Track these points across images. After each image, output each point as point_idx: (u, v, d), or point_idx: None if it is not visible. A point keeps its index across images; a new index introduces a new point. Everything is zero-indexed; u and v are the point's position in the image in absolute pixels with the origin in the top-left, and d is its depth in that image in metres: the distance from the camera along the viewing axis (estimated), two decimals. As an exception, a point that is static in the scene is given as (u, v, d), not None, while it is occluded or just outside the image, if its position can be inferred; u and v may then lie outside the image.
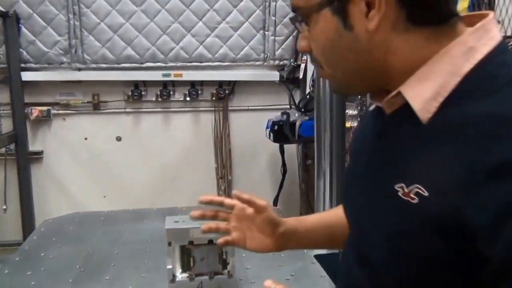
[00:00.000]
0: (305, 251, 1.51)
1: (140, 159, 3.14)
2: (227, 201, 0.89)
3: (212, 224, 0.90)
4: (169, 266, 1.24)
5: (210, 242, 1.24)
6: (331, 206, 1.61)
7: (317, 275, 1.37)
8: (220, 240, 0.90)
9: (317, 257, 1.49)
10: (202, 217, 0.92)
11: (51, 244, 1.66)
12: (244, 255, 1.28)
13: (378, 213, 0.61)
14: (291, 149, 3.17)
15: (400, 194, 0.56)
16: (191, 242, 1.24)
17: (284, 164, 3.10)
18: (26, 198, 2.97)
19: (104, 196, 3.16)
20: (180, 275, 1.26)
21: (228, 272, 1.27)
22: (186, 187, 3.11)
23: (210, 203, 0.90)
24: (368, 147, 0.68)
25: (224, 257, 1.27)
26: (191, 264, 1.25)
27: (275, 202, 3.02)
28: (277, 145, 3.03)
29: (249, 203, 0.86)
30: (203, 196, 0.90)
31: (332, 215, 0.91)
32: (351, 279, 0.70)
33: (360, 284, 0.66)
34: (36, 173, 3.05)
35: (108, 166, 3.12)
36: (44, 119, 3.01)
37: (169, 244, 1.23)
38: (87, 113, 3.08)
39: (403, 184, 0.56)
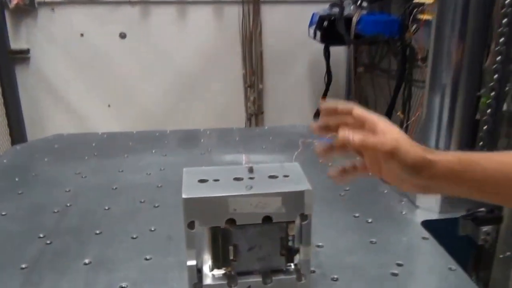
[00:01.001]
0: (407, 217, 0.96)
1: (149, 62, 2.53)
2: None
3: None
4: (192, 262, 0.69)
5: (267, 219, 0.68)
6: (444, 145, 1.02)
7: (443, 265, 0.81)
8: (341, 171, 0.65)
9: (427, 224, 0.93)
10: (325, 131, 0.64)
11: (9, 188, 1.13)
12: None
13: None
14: (338, 53, 2.50)
15: None
16: (231, 221, 0.68)
17: (329, 72, 2.46)
18: (14, 109, 2.42)
19: (109, 105, 2.61)
20: (211, 275, 0.72)
21: (296, 267, 0.73)
22: (206, 99, 2.52)
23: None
24: None
25: (289, 244, 0.71)
26: (231, 257, 0.70)
27: (315, 119, 2.43)
28: (320, 47, 2.38)
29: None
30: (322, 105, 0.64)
31: None
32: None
33: None
34: (23, 77, 2.47)
35: (111, 69, 2.53)
36: (27, 9, 2.38)
37: (190, 225, 0.67)
38: (82, 3, 2.42)
39: None
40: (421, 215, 1.02)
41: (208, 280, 0.71)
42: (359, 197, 1.06)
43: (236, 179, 0.71)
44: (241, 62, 2.58)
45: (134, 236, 0.91)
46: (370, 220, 0.96)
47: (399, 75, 1.79)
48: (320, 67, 2.49)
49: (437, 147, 1.04)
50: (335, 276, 0.79)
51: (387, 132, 0.58)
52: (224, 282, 0.71)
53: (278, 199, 0.67)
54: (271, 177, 0.71)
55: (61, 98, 2.55)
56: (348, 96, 2.57)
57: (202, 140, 1.49)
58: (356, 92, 2.45)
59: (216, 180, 0.70)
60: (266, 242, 0.70)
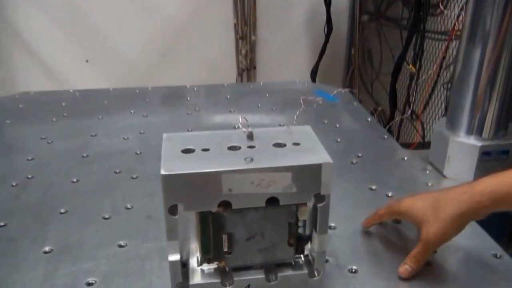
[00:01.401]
0: (434, 189, 0.80)
1: (131, 11, 2.29)
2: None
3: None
4: (174, 257, 0.52)
5: (271, 201, 0.52)
6: (482, 109, 0.85)
7: (482, 247, 0.67)
8: None
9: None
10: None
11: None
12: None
13: None
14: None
15: None
16: (225, 204, 0.51)
17: (329, 21, 2.25)
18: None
19: (87, 61, 2.39)
20: (200, 271, 0.56)
21: (307, 259, 0.57)
22: (193, 52, 2.31)
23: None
24: None
25: (299, 231, 0.55)
26: (225, 248, 0.54)
27: (313, 75, 2.25)
28: (318, -7, 2.16)
29: None
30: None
31: None
32: None
33: None
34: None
35: (89, 20, 2.29)
36: None
37: (172, 210, 0.50)
38: None
39: None
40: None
41: (196, 278, 0.56)
42: (375, 166, 0.91)
43: (232, 148, 0.54)
44: (232, 10, 2.35)
45: (107, 216, 0.75)
46: (390, 194, 0.81)
47: (412, 23, 1.60)
48: (319, 16, 2.27)
49: (473, 111, 0.87)
50: (353, 267, 0.64)
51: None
52: (217, 280, 0.55)
53: (287, 175, 0.51)
54: (276, 145, 0.55)
55: (34, 53, 2.32)
56: (350, 49, 2.37)
57: (188, 98, 1.31)
58: (359, 43, 2.25)
59: (205, 150, 0.53)
60: (270, 229, 0.54)
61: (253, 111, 1.21)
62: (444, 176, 0.89)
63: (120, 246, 0.68)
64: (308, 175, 0.51)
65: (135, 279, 0.62)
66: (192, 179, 0.49)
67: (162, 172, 0.49)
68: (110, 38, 2.35)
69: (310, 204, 0.54)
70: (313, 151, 0.53)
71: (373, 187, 0.83)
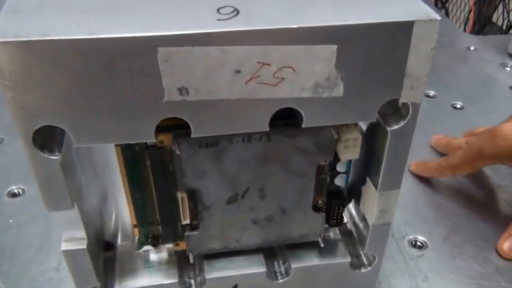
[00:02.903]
0: None
1: None
2: None
3: None
4: (72, 245, 0.24)
5: (281, 119, 0.23)
6: None
7: None
8: None
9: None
10: None
11: None
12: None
13: None
14: None
15: None
16: (176, 128, 0.22)
17: None
18: None
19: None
20: (140, 259, 0.28)
21: (350, 237, 0.30)
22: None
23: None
24: None
25: (336, 182, 0.27)
26: (185, 219, 0.26)
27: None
28: None
29: None
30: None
31: None
32: None
33: None
34: None
35: None
36: None
37: (43, 141, 0.21)
38: None
39: None
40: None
41: (130, 277, 0.28)
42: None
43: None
44: None
45: None
46: (459, 105, 0.53)
47: None
48: None
49: None
50: (418, 239, 0.36)
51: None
52: (171, 280, 0.27)
53: (327, 50, 0.21)
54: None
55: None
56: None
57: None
58: None
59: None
60: (278, 179, 0.26)
61: None
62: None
63: None
64: (378, 55, 0.21)
65: None
66: (84, 58, 0.19)
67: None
68: None
69: (363, 127, 0.26)
70: None
71: (431, 93, 0.54)
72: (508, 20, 0.93)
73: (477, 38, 0.70)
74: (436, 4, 1.03)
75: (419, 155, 0.44)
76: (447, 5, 1.08)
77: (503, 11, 0.95)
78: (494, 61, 0.63)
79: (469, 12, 1.01)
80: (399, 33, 0.20)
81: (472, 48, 0.66)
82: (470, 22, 0.98)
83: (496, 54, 0.64)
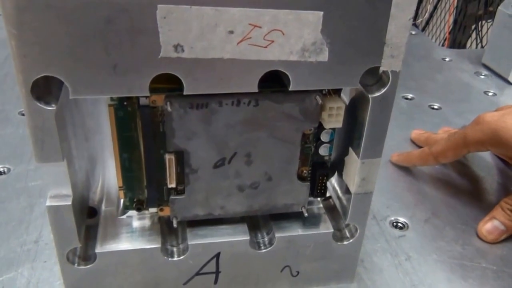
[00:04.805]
0: None
1: None
2: None
3: None
4: (59, 201, 0.24)
5: (268, 81, 0.24)
6: None
7: None
8: None
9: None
10: None
11: None
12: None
13: None
14: None
15: None
16: (169, 90, 0.23)
17: None
18: None
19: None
20: (124, 223, 0.29)
21: (331, 205, 0.31)
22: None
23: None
24: None
25: (320, 151, 0.28)
26: (171, 183, 0.26)
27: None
28: None
29: None
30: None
31: None
32: None
33: None
34: None
35: None
36: None
37: (39, 93, 0.22)
38: None
39: None
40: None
41: (112, 240, 0.28)
42: (406, 68, 0.64)
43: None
44: None
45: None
46: (436, 106, 0.54)
47: None
48: None
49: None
50: (399, 220, 0.38)
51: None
52: (153, 245, 0.28)
53: (313, 15, 0.22)
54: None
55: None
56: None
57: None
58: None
59: None
60: (264, 145, 0.27)
61: None
62: (510, 83, 0.62)
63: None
64: (360, 23, 0.22)
65: None
66: (86, 11, 0.20)
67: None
68: None
69: (346, 97, 0.27)
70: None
71: (409, 95, 0.56)
72: (482, 46, 0.97)
73: (452, 51, 0.73)
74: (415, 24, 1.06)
75: (399, 149, 0.45)
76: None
77: (476, 38, 0.99)
78: (469, 70, 0.65)
79: (444, 40, 1.05)
80: (379, 1, 0.22)
81: (447, 59, 0.68)
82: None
83: (470, 65, 0.67)
